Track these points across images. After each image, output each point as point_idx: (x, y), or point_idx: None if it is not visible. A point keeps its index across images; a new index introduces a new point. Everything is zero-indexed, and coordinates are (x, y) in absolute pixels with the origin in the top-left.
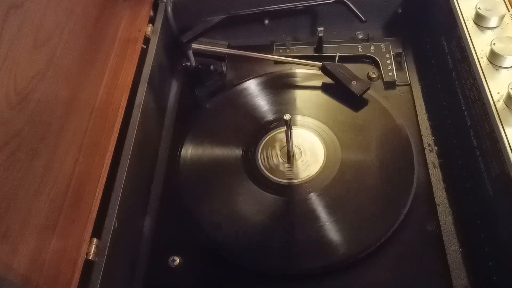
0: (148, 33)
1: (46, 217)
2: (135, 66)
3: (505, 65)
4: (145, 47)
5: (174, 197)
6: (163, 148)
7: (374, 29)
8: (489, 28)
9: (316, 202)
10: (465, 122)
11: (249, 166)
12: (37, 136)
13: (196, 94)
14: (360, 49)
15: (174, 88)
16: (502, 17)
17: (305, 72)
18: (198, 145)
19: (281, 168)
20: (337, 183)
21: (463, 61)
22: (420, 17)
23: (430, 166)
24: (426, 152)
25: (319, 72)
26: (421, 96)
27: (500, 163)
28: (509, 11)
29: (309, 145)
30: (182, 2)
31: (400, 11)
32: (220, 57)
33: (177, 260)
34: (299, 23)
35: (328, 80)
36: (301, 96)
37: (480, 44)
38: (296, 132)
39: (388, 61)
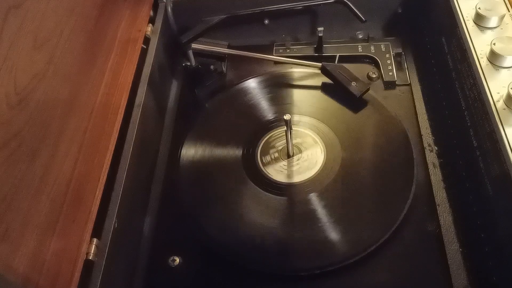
0: (148, 33)
1: (46, 217)
2: (135, 66)
3: (505, 65)
4: (145, 47)
5: (174, 197)
6: (163, 148)
7: (374, 29)
8: (489, 28)
9: (316, 202)
10: (465, 122)
11: (249, 166)
12: (37, 136)
13: (196, 94)
14: (360, 49)
15: (174, 88)
16: (502, 17)
17: (305, 71)
18: (198, 145)
19: (281, 167)
20: (337, 183)
21: (463, 61)
22: (420, 17)
23: (430, 166)
24: (426, 152)
25: (319, 71)
26: (421, 96)
27: (500, 163)
28: (509, 11)
29: (309, 145)
30: (182, 2)
31: (400, 11)
32: (220, 57)
33: (177, 260)
34: (299, 23)
35: (328, 80)
36: (301, 96)
37: (480, 44)
38: (296, 132)
39: (388, 61)
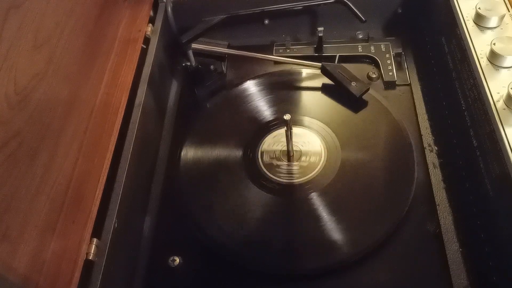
0: (148, 33)
1: (46, 217)
2: (135, 66)
3: (505, 65)
4: (145, 47)
5: (174, 197)
6: (163, 148)
7: (374, 29)
8: (489, 28)
9: (316, 202)
10: (465, 122)
11: (249, 166)
12: (37, 136)
13: (196, 94)
14: (360, 49)
15: (174, 88)
16: (502, 17)
17: (305, 72)
18: (198, 145)
19: (281, 168)
20: (337, 183)
21: (463, 61)
22: (420, 17)
23: (430, 166)
24: (426, 152)
25: (319, 71)
26: (421, 96)
27: (500, 163)
28: (509, 11)
29: (309, 145)
30: (182, 2)
31: (400, 11)
32: (220, 57)
33: (177, 260)
34: (299, 23)
35: (328, 80)
36: (301, 96)
37: (480, 44)
38: (296, 132)
39: (388, 61)
